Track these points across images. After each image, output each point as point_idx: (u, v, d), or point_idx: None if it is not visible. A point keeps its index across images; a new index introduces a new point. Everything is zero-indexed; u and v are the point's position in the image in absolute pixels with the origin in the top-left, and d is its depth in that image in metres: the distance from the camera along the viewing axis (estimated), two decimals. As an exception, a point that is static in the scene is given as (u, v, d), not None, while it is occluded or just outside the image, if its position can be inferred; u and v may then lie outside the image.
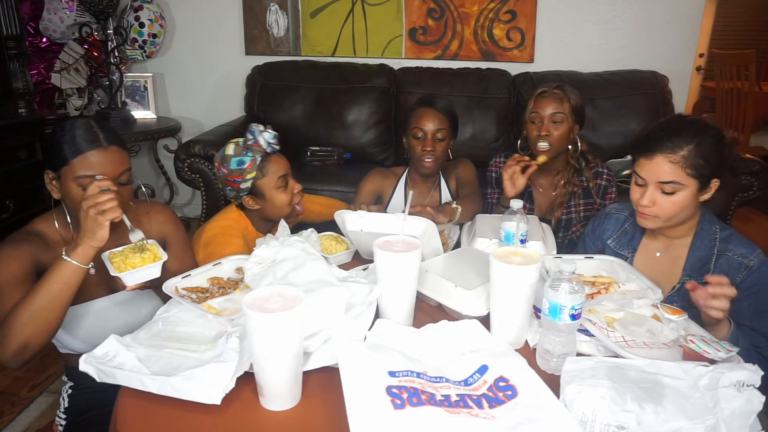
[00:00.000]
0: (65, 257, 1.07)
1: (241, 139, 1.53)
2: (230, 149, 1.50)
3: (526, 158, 1.72)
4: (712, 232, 1.32)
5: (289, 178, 1.56)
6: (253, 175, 1.49)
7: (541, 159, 1.74)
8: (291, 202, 1.55)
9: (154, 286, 1.19)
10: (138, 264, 1.13)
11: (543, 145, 1.75)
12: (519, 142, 1.89)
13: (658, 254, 1.39)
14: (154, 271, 1.14)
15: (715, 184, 1.26)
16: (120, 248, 1.18)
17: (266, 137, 1.50)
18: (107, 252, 1.16)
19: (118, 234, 1.15)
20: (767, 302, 1.21)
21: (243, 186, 1.50)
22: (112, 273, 1.11)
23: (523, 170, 1.70)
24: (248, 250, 1.47)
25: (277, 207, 1.54)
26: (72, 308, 1.21)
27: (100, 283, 1.26)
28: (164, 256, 1.16)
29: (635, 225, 1.44)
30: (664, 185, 1.23)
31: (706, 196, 1.28)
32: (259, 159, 1.49)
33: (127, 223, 1.15)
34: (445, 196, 1.97)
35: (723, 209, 2.34)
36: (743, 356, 1.00)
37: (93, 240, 1.08)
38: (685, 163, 1.21)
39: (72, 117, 1.15)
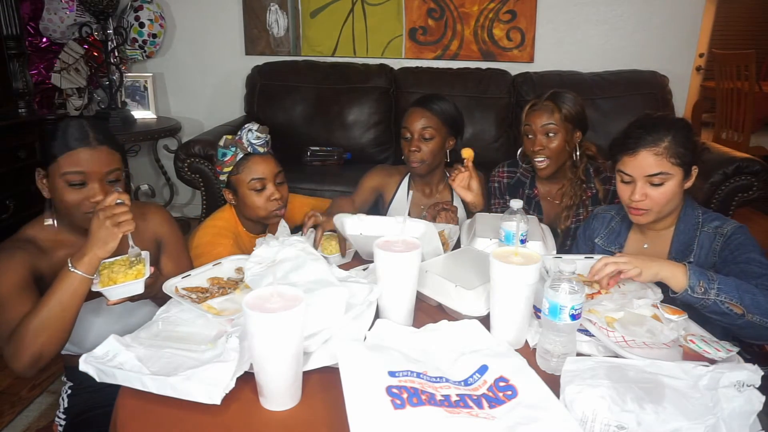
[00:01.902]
0: (72, 269, 1.07)
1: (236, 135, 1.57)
2: (222, 140, 1.56)
3: (460, 166, 1.70)
4: (695, 216, 1.36)
5: (268, 184, 1.52)
6: (229, 169, 1.53)
7: (465, 153, 1.69)
8: (264, 207, 1.53)
9: (141, 299, 1.18)
10: (121, 279, 1.11)
11: (540, 160, 1.73)
12: (518, 153, 1.87)
13: (645, 246, 1.42)
14: (136, 287, 1.11)
15: (695, 170, 1.32)
16: (110, 259, 1.15)
17: (249, 137, 1.52)
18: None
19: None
20: (749, 248, 1.26)
21: (221, 178, 1.56)
22: (94, 288, 1.09)
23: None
24: (238, 250, 1.48)
25: (249, 207, 1.54)
26: None
27: None
28: (147, 273, 1.13)
29: (621, 222, 1.48)
30: (652, 178, 1.28)
31: (689, 184, 1.33)
32: (239, 156, 1.52)
33: (130, 239, 1.15)
34: (457, 201, 1.90)
35: (723, 210, 2.33)
36: (731, 291, 1.09)
37: (102, 250, 1.08)
38: (667, 153, 1.27)
39: (69, 117, 1.15)
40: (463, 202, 1.91)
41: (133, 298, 1.14)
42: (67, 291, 1.07)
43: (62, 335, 1.09)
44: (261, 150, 1.54)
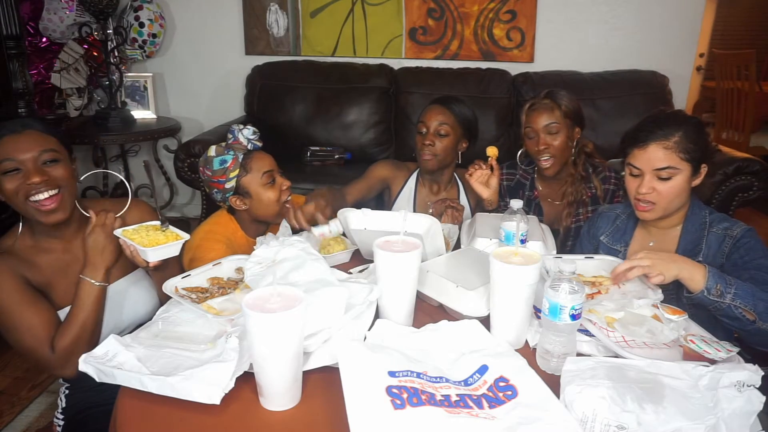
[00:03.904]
0: (95, 282, 1.20)
1: (223, 142, 1.53)
2: (212, 151, 1.50)
3: (480, 162, 1.70)
4: (702, 216, 1.36)
5: (276, 175, 1.54)
6: (236, 173, 1.48)
7: (490, 151, 1.69)
8: (279, 199, 1.53)
9: (165, 266, 1.26)
10: (162, 241, 1.20)
11: (545, 158, 1.73)
12: (519, 155, 1.87)
13: (651, 244, 1.42)
14: (175, 249, 1.22)
15: (704, 168, 1.32)
16: (134, 226, 1.24)
17: (245, 134, 1.51)
18: (120, 230, 1.22)
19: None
20: (759, 254, 1.26)
21: (228, 186, 1.49)
22: (139, 248, 1.17)
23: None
24: (231, 255, 1.46)
25: (265, 204, 1.52)
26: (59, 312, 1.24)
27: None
28: (186, 236, 1.23)
29: (627, 220, 1.48)
30: (660, 171, 1.29)
31: (698, 181, 1.34)
32: (241, 156, 1.49)
33: (159, 214, 1.27)
34: (463, 202, 1.92)
35: (723, 210, 2.34)
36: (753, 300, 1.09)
37: (109, 260, 1.23)
38: (677, 148, 1.28)
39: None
40: (469, 201, 1.92)
41: (162, 262, 1.23)
42: (91, 302, 1.20)
43: (98, 337, 1.21)
44: (259, 144, 1.54)
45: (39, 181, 1.16)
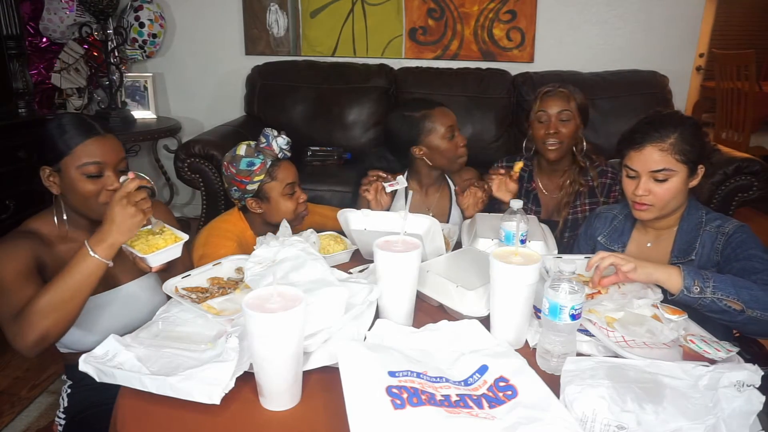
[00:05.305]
0: (93, 254, 1.08)
1: (253, 142, 1.54)
2: (242, 150, 1.51)
3: (502, 171, 1.73)
4: (698, 216, 1.36)
5: (297, 187, 1.57)
6: (261, 177, 1.50)
7: (517, 167, 1.74)
8: (295, 211, 1.56)
9: (172, 267, 1.23)
10: (162, 245, 1.17)
11: (552, 142, 1.78)
12: (525, 143, 1.89)
13: (648, 245, 1.42)
14: (176, 251, 1.19)
15: (701, 170, 1.32)
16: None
17: (279, 142, 1.52)
18: None
19: None
20: (750, 245, 1.26)
21: (249, 188, 1.51)
22: (139, 255, 1.15)
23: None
24: (241, 253, 1.47)
25: (282, 213, 1.54)
26: None
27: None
28: (185, 237, 1.20)
29: (624, 221, 1.48)
30: (656, 173, 1.29)
31: (695, 183, 1.33)
32: (269, 163, 1.51)
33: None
34: (455, 206, 1.92)
35: (723, 210, 2.34)
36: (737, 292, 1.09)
37: (124, 236, 1.11)
38: (673, 150, 1.27)
39: (61, 112, 1.20)
40: (459, 204, 1.92)
41: (166, 265, 1.20)
42: (83, 273, 1.08)
43: (70, 318, 1.10)
44: (289, 155, 1.55)
45: (119, 188, 1.17)
